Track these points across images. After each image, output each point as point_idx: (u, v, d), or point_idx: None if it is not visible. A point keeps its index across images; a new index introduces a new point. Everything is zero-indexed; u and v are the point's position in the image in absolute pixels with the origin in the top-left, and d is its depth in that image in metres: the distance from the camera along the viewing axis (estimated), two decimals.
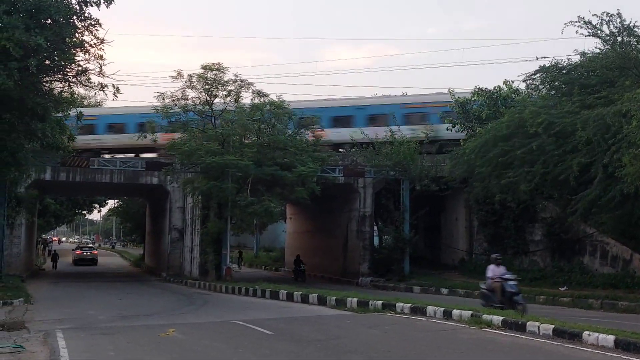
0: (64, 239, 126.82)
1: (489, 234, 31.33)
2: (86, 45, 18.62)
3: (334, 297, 19.21)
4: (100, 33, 18.72)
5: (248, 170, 27.84)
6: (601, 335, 10.96)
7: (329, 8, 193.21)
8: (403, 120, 33.34)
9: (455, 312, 14.74)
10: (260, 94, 30.59)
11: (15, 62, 16.41)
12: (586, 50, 23.52)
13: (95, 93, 22.89)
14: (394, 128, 32.17)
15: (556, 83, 24.19)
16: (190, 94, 30.64)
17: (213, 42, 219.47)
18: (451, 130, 32.22)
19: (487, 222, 31.24)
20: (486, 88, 32.55)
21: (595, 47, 23.60)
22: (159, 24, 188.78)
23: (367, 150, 32.91)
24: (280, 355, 11.00)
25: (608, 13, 22.73)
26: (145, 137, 30.73)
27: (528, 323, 12.52)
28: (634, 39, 22.66)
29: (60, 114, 22.37)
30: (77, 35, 18.63)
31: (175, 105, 30.54)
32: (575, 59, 24.04)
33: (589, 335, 11.17)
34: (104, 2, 18.39)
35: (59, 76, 19.82)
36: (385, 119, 33.19)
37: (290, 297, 21.27)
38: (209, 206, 31.13)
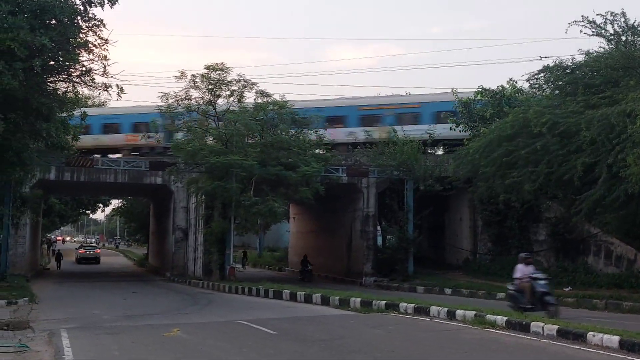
0: (68, 238, 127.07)
1: (493, 233, 31.30)
2: (90, 45, 18.70)
3: (338, 297, 19.22)
4: (104, 33, 18.81)
5: (252, 170, 27.86)
6: (606, 336, 10.94)
7: (331, 8, 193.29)
8: (358, 122, 34.31)
9: (459, 312, 14.73)
10: (263, 94, 30.62)
11: (20, 63, 16.47)
12: (590, 50, 23.43)
13: (99, 93, 23.01)
14: (350, 130, 32.44)
15: (560, 83, 24.11)
16: (194, 94, 30.75)
17: (214, 41, 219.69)
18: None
19: (491, 222, 31.21)
20: (490, 88, 32.57)
21: (600, 47, 23.54)
22: (159, 24, 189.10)
23: (371, 150, 33.00)
24: (285, 355, 11.01)
25: (612, 12, 22.69)
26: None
27: (532, 323, 12.50)
28: (639, 39, 22.60)
29: (64, 114, 22.47)
30: (81, 35, 18.70)
31: (179, 105, 30.61)
32: (580, 58, 23.96)
33: (593, 336, 11.15)
34: (108, 3, 18.46)
35: (64, 76, 19.89)
36: (342, 120, 33.53)
37: (293, 297, 21.29)
38: (212, 206, 31.17)
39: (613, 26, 22.57)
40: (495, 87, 32.54)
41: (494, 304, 18.66)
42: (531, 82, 25.10)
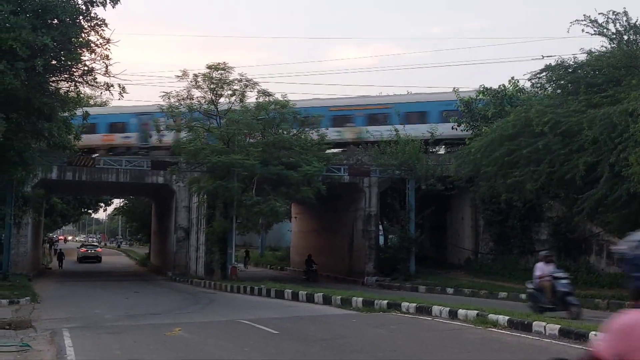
0: (70, 238, 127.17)
1: (495, 233, 31.27)
2: (92, 45, 18.73)
3: (339, 297, 19.21)
4: (106, 33, 18.84)
5: (254, 170, 27.87)
6: None
7: (332, 8, 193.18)
8: (331, 122, 34.61)
9: (461, 311, 14.72)
10: (265, 93, 30.64)
11: (22, 62, 16.50)
12: (592, 49, 23.40)
13: (101, 93, 23.03)
14: (322, 130, 32.48)
15: (562, 82, 24.08)
16: (196, 93, 30.78)
17: (215, 41, 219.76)
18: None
19: (493, 221, 31.18)
20: (491, 87, 32.56)
21: (602, 46, 23.49)
22: (159, 24, 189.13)
23: (373, 149, 33.02)
24: (286, 355, 11.01)
25: (614, 11, 22.65)
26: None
27: (534, 323, 12.49)
28: None
29: (66, 114, 22.49)
30: (83, 35, 18.74)
31: (181, 104, 30.65)
32: (581, 57, 23.93)
33: (595, 336, 11.13)
34: (110, 2, 18.48)
35: (66, 76, 19.94)
36: (315, 121, 33.70)
37: (295, 297, 21.28)
38: (214, 205, 31.17)
39: (615, 25, 22.53)
40: (497, 87, 32.53)
41: (496, 304, 18.66)
42: (533, 81, 25.07)
